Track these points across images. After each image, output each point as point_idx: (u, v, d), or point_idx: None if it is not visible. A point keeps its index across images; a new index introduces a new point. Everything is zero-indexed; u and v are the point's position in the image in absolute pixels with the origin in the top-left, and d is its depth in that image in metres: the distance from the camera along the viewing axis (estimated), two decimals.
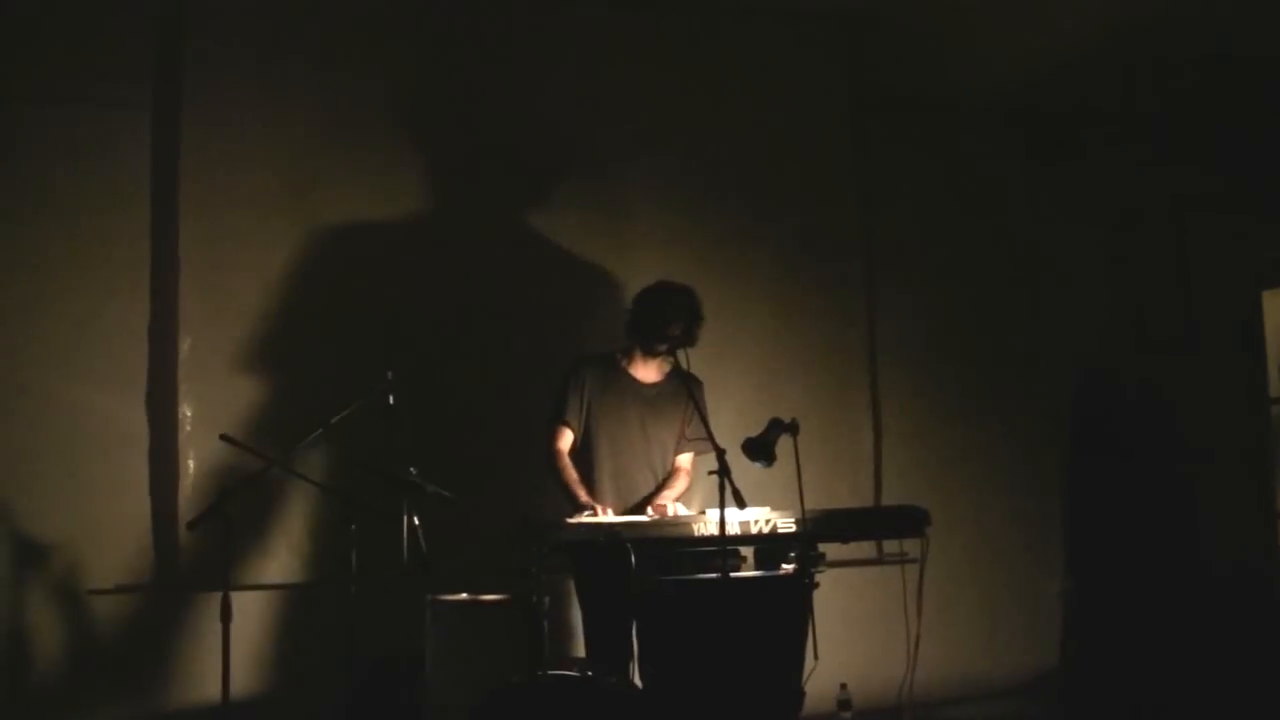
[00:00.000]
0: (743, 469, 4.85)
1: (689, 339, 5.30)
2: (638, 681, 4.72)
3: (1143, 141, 7.52)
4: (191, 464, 5.92)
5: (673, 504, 5.34)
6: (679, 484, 5.53)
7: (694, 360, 5.25)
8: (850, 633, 6.17)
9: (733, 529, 4.80)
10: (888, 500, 6.70)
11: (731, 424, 5.37)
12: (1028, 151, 7.44)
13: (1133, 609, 7.16)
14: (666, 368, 5.50)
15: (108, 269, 5.97)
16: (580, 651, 5.45)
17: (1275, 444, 7.31)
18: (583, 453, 5.46)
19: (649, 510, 5.25)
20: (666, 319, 5.32)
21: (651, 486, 5.48)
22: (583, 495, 5.26)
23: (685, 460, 5.58)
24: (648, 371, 5.53)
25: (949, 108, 7.31)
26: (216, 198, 6.03)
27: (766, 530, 4.99)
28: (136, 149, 6.06)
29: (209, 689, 5.24)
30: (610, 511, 5.17)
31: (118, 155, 6.02)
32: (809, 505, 4.94)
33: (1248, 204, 7.42)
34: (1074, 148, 7.47)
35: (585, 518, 5.03)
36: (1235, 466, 7.38)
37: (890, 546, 6.30)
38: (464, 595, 4.94)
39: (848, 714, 5.56)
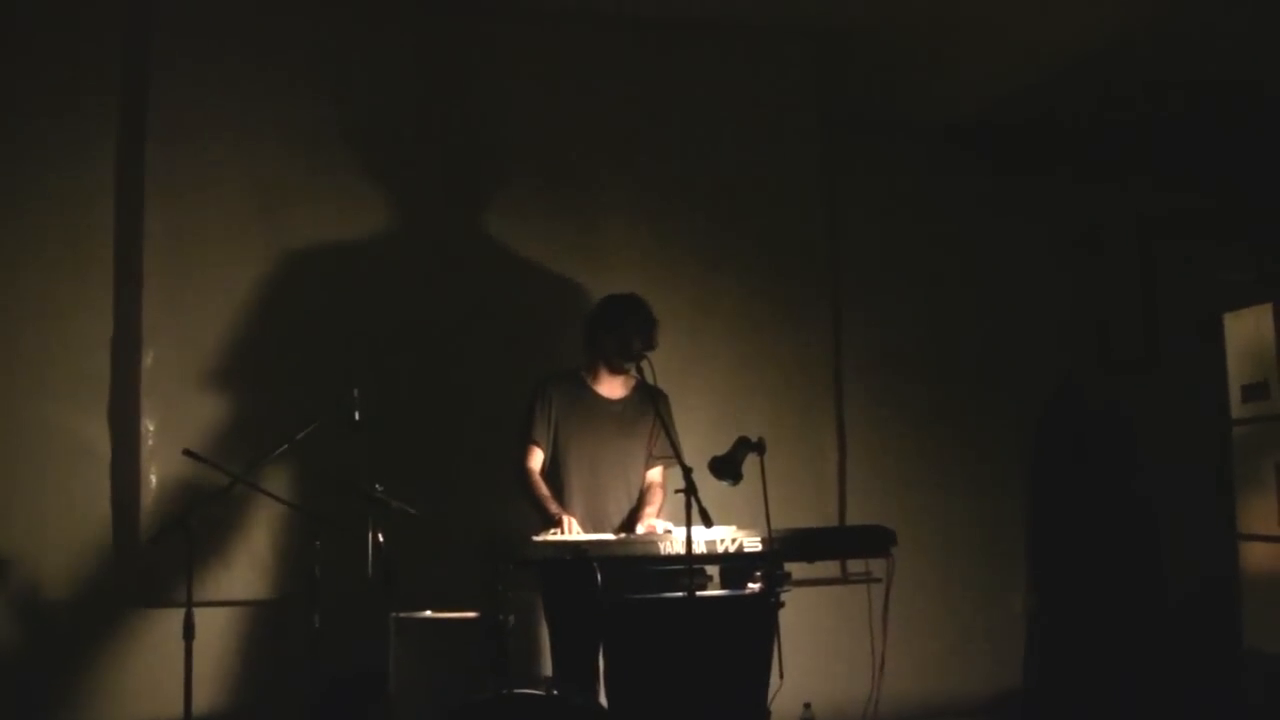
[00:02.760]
0: (709, 487, 4.83)
1: (651, 345, 5.30)
2: (604, 700, 4.72)
3: (1108, 162, 7.58)
4: (154, 478, 5.87)
5: (661, 523, 5.34)
6: (655, 499, 5.52)
7: (660, 378, 5.24)
8: (815, 651, 6.17)
9: (699, 548, 4.80)
10: (853, 519, 6.71)
11: (698, 442, 5.37)
12: (994, 171, 7.48)
13: (1096, 628, 7.19)
14: (631, 382, 5.50)
15: (71, 282, 5.92)
16: (548, 670, 5.42)
17: (1238, 464, 7.34)
18: (553, 471, 5.45)
19: (639, 529, 5.26)
20: (628, 335, 5.32)
21: (624, 502, 5.48)
22: (553, 508, 5.25)
23: (656, 474, 5.57)
24: (613, 387, 5.53)
25: (917, 127, 7.35)
26: (182, 212, 6.00)
27: (733, 549, 4.98)
28: (102, 163, 6.01)
29: (171, 705, 5.19)
30: (577, 526, 5.16)
31: (83, 169, 5.97)
32: (775, 524, 4.94)
33: (1211, 226, 7.48)
34: (1040, 168, 7.51)
35: (551, 535, 5.02)
36: (1198, 487, 7.42)
37: (855, 565, 6.29)
38: (428, 612, 4.92)
39: None
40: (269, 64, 6.19)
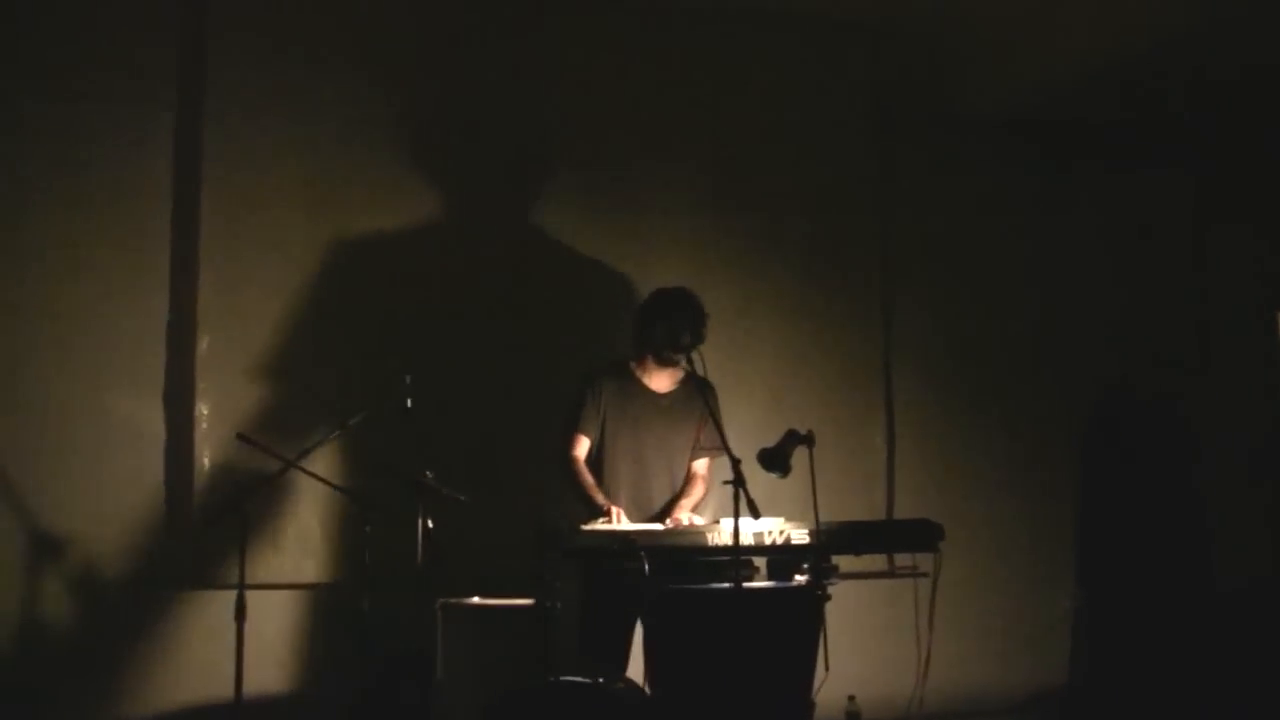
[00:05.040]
0: (757, 479, 4.84)
1: (699, 340, 5.31)
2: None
3: (1162, 156, 7.52)
4: (207, 462, 5.93)
5: (688, 514, 5.35)
6: (696, 491, 5.55)
7: (709, 369, 5.25)
8: (861, 645, 6.15)
9: (746, 539, 4.82)
10: (900, 513, 6.70)
11: (746, 434, 5.37)
12: (1047, 165, 7.44)
13: (1144, 624, 7.15)
14: (680, 375, 5.51)
15: (128, 268, 5.98)
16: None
17: None
18: (599, 462, 5.48)
19: (666, 522, 5.27)
20: (677, 329, 5.33)
21: (668, 494, 5.50)
22: (600, 498, 5.29)
23: (701, 466, 5.59)
24: (661, 380, 5.55)
25: (968, 119, 7.31)
26: (237, 199, 6.05)
27: (780, 541, 5.00)
28: (159, 148, 6.06)
29: (222, 686, 5.23)
30: (625, 517, 5.18)
31: (141, 154, 6.02)
32: (822, 517, 4.95)
33: (1266, 221, 7.41)
34: (1093, 161, 7.46)
35: (600, 524, 5.05)
36: (1249, 483, 7.37)
37: (902, 559, 6.29)
38: (476, 599, 4.96)
39: None
40: (324, 52, 6.23)
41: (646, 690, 4.73)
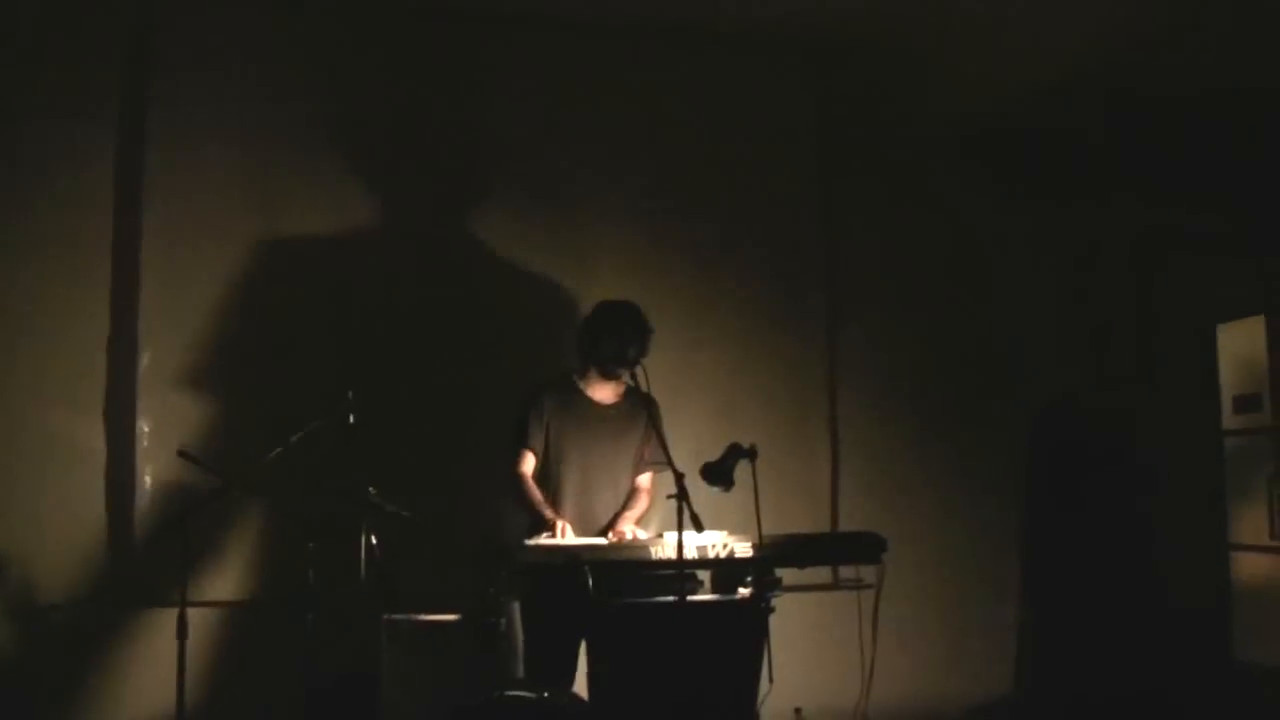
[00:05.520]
0: (701, 493, 4.86)
1: (643, 354, 5.32)
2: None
3: (1104, 175, 7.59)
4: (149, 479, 5.89)
5: (631, 528, 5.36)
6: (639, 504, 5.56)
7: (655, 385, 5.25)
8: (806, 657, 6.14)
9: (690, 553, 4.82)
10: (845, 526, 6.72)
11: (690, 448, 5.38)
12: (992, 182, 7.50)
13: (1087, 640, 7.20)
14: (623, 388, 5.53)
15: (69, 283, 5.94)
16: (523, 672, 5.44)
17: (1230, 476, 7.37)
18: (545, 475, 5.47)
19: (609, 536, 5.27)
20: (622, 342, 5.33)
21: (613, 507, 5.50)
22: (547, 513, 5.28)
23: (645, 480, 5.60)
24: (605, 392, 5.55)
25: (914, 138, 7.37)
26: (179, 215, 6.02)
27: (724, 554, 5.00)
28: (101, 164, 6.03)
29: (163, 705, 5.21)
30: (570, 531, 5.18)
31: (82, 170, 5.99)
32: (766, 530, 4.96)
33: (1206, 239, 7.50)
34: (1037, 180, 7.53)
35: (545, 539, 5.05)
36: (1191, 499, 7.44)
37: (847, 572, 6.32)
38: (421, 615, 4.94)
39: None
40: (266, 68, 6.22)
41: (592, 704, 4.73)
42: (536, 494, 5.39)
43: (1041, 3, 6.13)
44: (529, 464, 5.46)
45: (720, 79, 6.83)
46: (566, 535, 5.12)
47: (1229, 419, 7.27)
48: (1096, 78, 6.70)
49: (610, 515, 5.48)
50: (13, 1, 5.94)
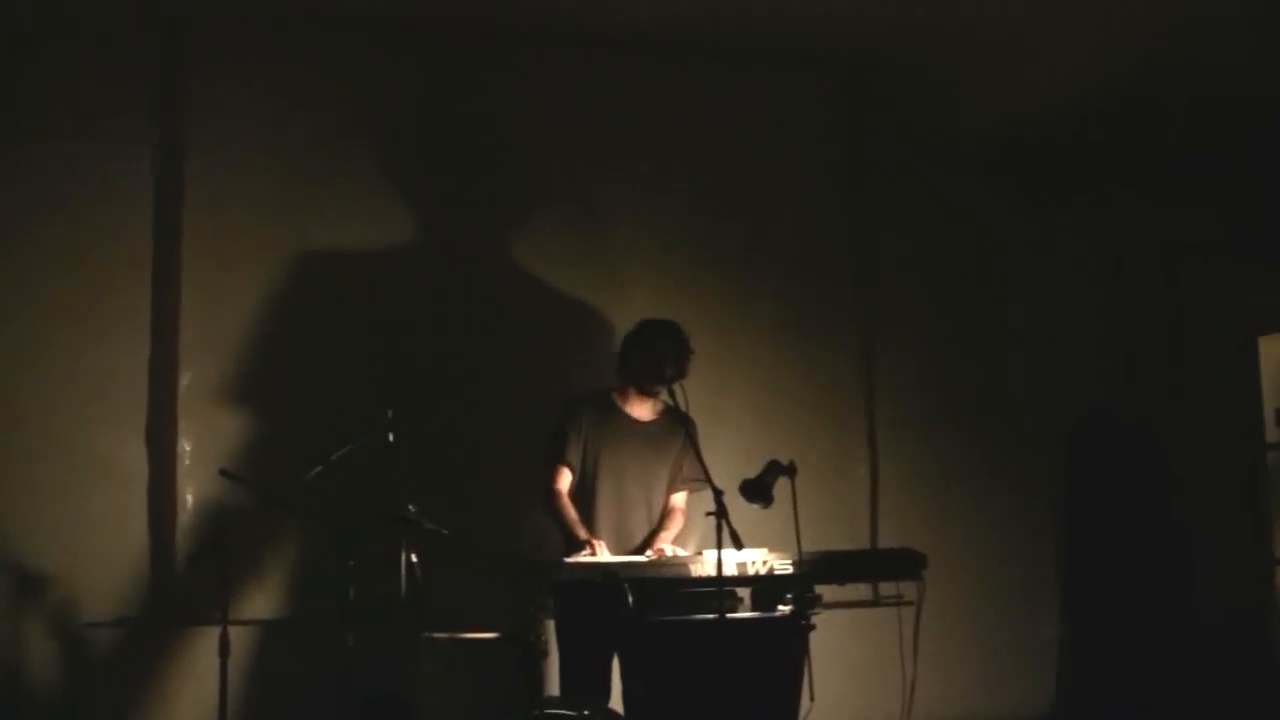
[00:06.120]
0: (740, 510, 4.85)
1: (682, 374, 5.32)
2: None
3: (1136, 185, 7.55)
4: (190, 498, 5.93)
5: (670, 546, 5.36)
6: (675, 524, 5.55)
7: (692, 402, 5.24)
8: (846, 674, 6.16)
9: (729, 570, 4.82)
10: (884, 543, 6.71)
11: (729, 465, 5.36)
12: (1023, 195, 7.47)
13: (1128, 655, 7.15)
14: (660, 406, 5.53)
15: (109, 303, 6.01)
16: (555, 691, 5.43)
17: (1272, 490, 7.30)
18: (580, 492, 5.47)
19: (647, 553, 5.26)
20: (660, 360, 5.34)
21: (647, 526, 5.50)
22: (582, 532, 5.27)
23: (680, 499, 5.60)
24: (642, 409, 5.56)
25: (947, 150, 7.33)
26: (218, 235, 6.08)
27: (763, 571, 4.99)
28: (140, 185, 6.10)
29: None
30: (606, 549, 5.18)
31: (122, 191, 6.06)
32: (806, 547, 4.95)
33: (1243, 249, 7.44)
34: (1069, 192, 7.49)
35: (583, 557, 5.05)
36: (1231, 513, 7.38)
37: (887, 589, 6.30)
38: (459, 633, 4.94)
39: None
40: (301, 85, 6.28)
41: None
42: (571, 512, 5.39)
43: (1070, 13, 6.11)
44: (565, 480, 5.46)
45: (752, 91, 6.85)
46: (602, 554, 5.12)
47: (1271, 431, 7.19)
48: (1127, 86, 6.66)
49: (644, 534, 5.48)
50: (48, 25, 5.99)
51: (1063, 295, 7.50)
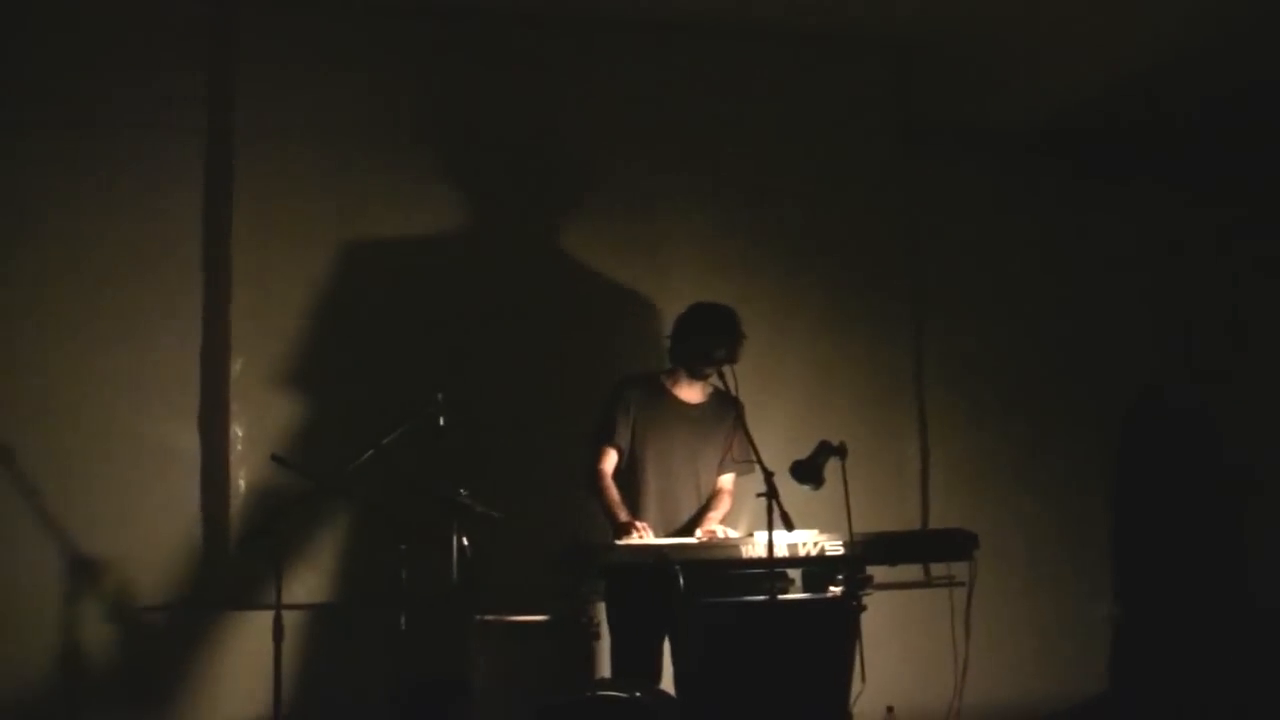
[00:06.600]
0: (790, 491, 4.85)
1: (733, 358, 5.32)
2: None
3: (1191, 164, 7.48)
4: (242, 483, 5.98)
5: (721, 527, 5.35)
6: (723, 505, 5.54)
7: (741, 383, 5.24)
8: (898, 655, 6.15)
9: (780, 551, 4.81)
10: (935, 523, 6.69)
11: (779, 447, 5.34)
12: (1075, 175, 7.42)
13: (1180, 637, 7.10)
14: (709, 388, 5.53)
15: (161, 290, 6.06)
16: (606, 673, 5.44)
17: None
18: (627, 474, 5.47)
19: (697, 534, 5.26)
20: (711, 342, 5.34)
21: (694, 507, 5.49)
22: (623, 515, 5.28)
23: (728, 481, 5.59)
24: (691, 392, 5.55)
25: (997, 133, 7.30)
26: (268, 221, 6.12)
27: (814, 553, 4.98)
28: (191, 173, 6.14)
29: (260, 707, 5.29)
30: (651, 532, 5.18)
31: (172, 179, 6.10)
32: (856, 528, 4.94)
33: None
34: (1122, 171, 7.43)
35: (634, 539, 5.05)
36: None
37: (938, 569, 6.28)
38: (511, 615, 4.96)
39: None
40: (350, 72, 6.29)
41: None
42: (614, 493, 5.39)
43: None
44: (610, 461, 5.46)
45: (801, 77, 6.82)
46: (648, 536, 5.12)
47: None
48: (1181, 67, 6.61)
49: (691, 515, 5.48)
50: (97, 14, 6.04)
51: (1117, 275, 7.44)
